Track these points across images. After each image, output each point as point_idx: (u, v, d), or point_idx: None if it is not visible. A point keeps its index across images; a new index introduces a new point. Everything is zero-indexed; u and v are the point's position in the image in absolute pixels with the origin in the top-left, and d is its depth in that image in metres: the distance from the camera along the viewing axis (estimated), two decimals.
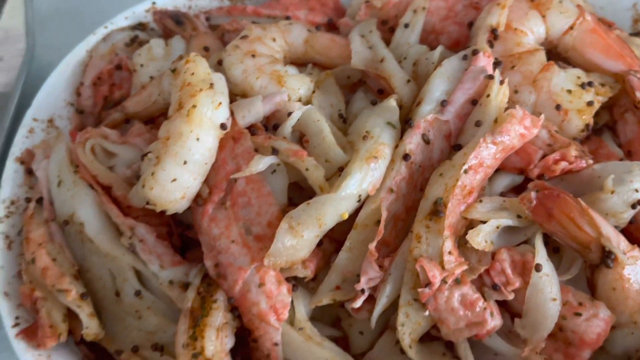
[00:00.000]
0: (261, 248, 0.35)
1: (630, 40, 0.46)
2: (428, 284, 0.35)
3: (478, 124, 0.38)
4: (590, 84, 0.41)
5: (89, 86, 0.47)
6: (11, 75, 0.54)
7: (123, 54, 0.48)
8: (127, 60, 0.47)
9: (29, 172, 0.43)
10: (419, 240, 0.36)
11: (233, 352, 0.36)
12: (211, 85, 0.36)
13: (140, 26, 0.50)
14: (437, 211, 0.36)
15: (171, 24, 0.48)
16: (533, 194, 0.37)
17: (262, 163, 0.35)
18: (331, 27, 0.49)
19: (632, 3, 0.50)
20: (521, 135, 0.38)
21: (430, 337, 0.38)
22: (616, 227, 0.38)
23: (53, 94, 0.46)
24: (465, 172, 0.36)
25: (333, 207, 0.35)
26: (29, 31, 0.57)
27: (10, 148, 0.47)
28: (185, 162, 0.34)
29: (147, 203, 0.36)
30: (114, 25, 0.50)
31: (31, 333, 0.35)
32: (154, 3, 0.51)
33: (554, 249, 0.40)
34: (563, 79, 0.42)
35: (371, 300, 0.37)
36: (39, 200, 0.40)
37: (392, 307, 0.37)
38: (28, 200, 0.41)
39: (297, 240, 0.35)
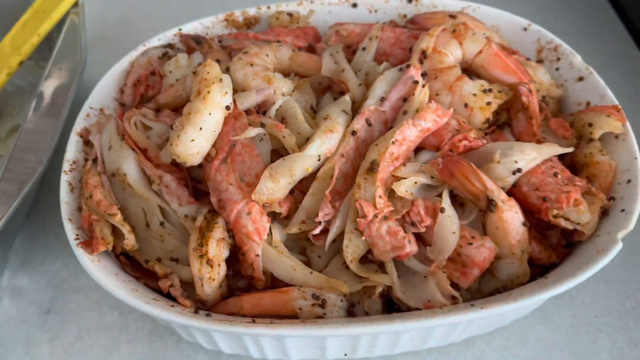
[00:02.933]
0: (250, 190, 0.50)
1: (526, 63, 0.62)
2: (364, 216, 0.50)
3: (405, 113, 0.54)
4: (490, 90, 0.56)
5: (130, 87, 0.63)
6: (69, 81, 0.71)
7: (156, 64, 0.64)
8: (159, 68, 0.63)
9: (86, 143, 0.59)
10: (359, 187, 0.50)
11: (227, 263, 0.51)
12: (221, 80, 0.52)
13: (169, 45, 0.67)
14: (372, 169, 0.51)
15: (193, 43, 0.64)
16: (440, 160, 0.52)
17: (253, 132, 0.51)
18: (310, 49, 0.65)
19: (536, 38, 0.67)
20: (434, 121, 0.53)
21: (367, 260, 0.53)
22: (502, 188, 0.53)
23: (104, 91, 0.62)
24: (393, 143, 0.51)
25: (301, 162, 0.50)
26: (83, 49, 0.73)
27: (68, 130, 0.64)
28: (200, 129, 0.50)
29: (174, 161, 0.52)
30: (150, 44, 0.67)
31: (87, 245, 0.50)
32: (180, 29, 0.68)
33: (460, 204, 0.54)
34: (471, 86, 0.57)
35: (325, 232, 0.52)
36: (94, 160, 0.56)
37: (341, 237, 0.52)
38: (85, 160, 0.57)
39: (275, 185, 0.50)
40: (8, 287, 0.63)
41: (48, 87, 0.68)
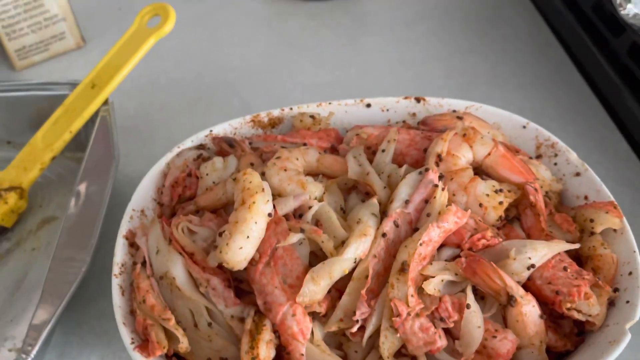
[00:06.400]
0: (293, 292, 0.55)
1: (529, 162, 0.69)
2: (399, 315, 0.54)
3: (428, 215, 0.60)
4: (501, 190, 0.63)
5: (167, 187, 0.68)
6: (104, 178, 0.75)
7: (192, 165, 0.69)
8: (195, 170, 0.69)
9: (131, 245, 0.63)
10: (393, 287, 0.55)
11: None
12: (263, 190, 0.58)
13: (201, 146, 0.73)
14: (403, 269, 0.56)
15: (226, 146, 0.70)
16: (464, 259, 0.58)
17: (295, 237, 0.56)
18: (333, 150, 0.71)
19: (534, 135, 0.74)
20: (455, 222, 0.59)
21: (402, 354, 0.57)
22: (518, 282, 0.59)
23: (144, 193, 0.66)
24: (421, 244, 0.57)
25: (339, 265, 0.55)
26: (115, 146, 0.78)
27: (102, 227, 0.68)
28: (247, 237, 0.55)
29: (220, 264, 0.57)
30: (184, 146, 0.72)
31: (143, 348, 0.53)
32: (211, 131, 0.73)
33: (481, 297, 0.59)
34: (484, 187, 0.63)
35: (362, 329, 0.56)
36: (143, 263, 0.60)
37: (376, 333, 0.56)
38: (134, 263, 0.61)
39: (316, 287, 0.55)
40: None
41: (83, 185, 0.72)
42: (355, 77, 1.02)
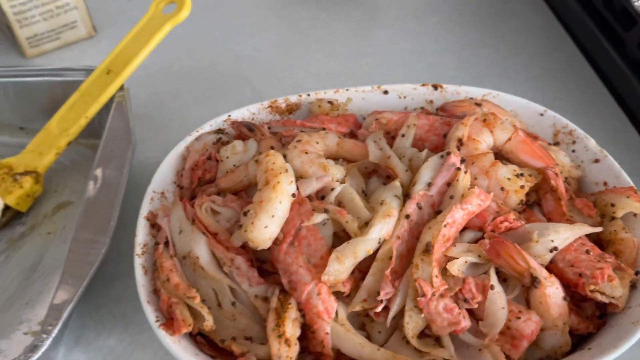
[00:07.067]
0: (318, 271, 0.54)
1: (548, 147, 0.70)
2: (423, 295, 0.54)
3: (451, 197, 0.60)
4: (522, 174, 0.63)
5: (187, 170, 0.68)
6: (120, 163, 0.75)
7: (211, 149, 0.69)
8: (215, 153, 0.68)
9: (152, 226, 0.63)
10: (417, 268, 0.55)
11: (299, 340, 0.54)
12: (287, 170, 0.58)
13: (220, 131, 0.73)
14: (427, 250, 0.56)
15: (245, 130, 0.69)
16: (487, 241, 0.58)
17: (319, 217, 0.56)
18: (352, 135, 0.71)
19: (552, 122, 0.74)
20: (478, 205, 0.59)
21: (425, 335, 0.57)
22: (541, 264, 0.59)
23: (163, 176, 0.66)
24: (445, 226, 0.57)
25: (364, 245, 0.55)
26: (132, 131, 0.78)
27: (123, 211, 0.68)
28: (272, 216, 0.55)
29: (243, 244, 0.56)
30: (203, 130, 0.72)
31: (168, 326, 0.53)
32: (229, 116, 0.73)
33: (504, 280, 0.59)
34: (505, 171, 0.63)
35: (386, 310, 0.56)
36: (165, 243, 0.59)
37: (400, 314, 0.56)
38: (156, 244, 0.60)
39: (341, 266, 0.54)
40: None
41: (100, 169, 0.72)
42: (367, 68, 1.02)
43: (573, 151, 0.71)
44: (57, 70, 0.86)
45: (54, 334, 0.57)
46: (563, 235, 0.58)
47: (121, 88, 0.82)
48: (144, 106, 0.94)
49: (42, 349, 0.56)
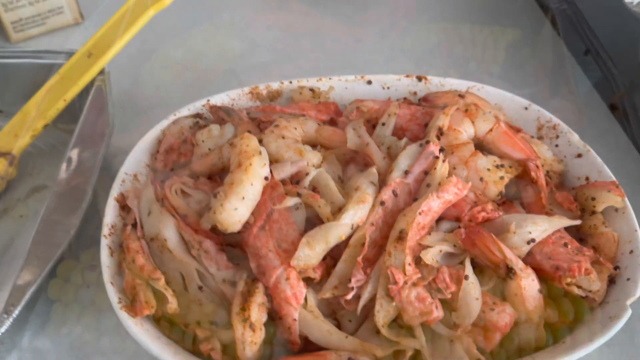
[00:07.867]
0: (287, 256, 0.53)
1: (531, 140, 0.68)
2: (395, 283, 0.53)
3: (428, 185, 0.58)
4: (502, 166, 0.62)
5: (162, 154, 0.67)
6: (96, 146, 0.73)
7: (188, 133, 0.68)
8: (191, 137, 0.67)
9: (122, 208, 0.61)
10: (390, 255, 0.54)
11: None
12: (260, 153, 0.56)
13: (198, 115, 0.71)
14: (401, 237, 0.54)
15: (223, 114, 0.68)
16: (463, 230, 0.56)
17: (291, 201, 0.54)
18: (332, 123, 0.70)
19: (536, 117, 0.73)
20: (455, 193, 0.58)
21: (395, 325, 0.55)
22: (518, 256, 0.58)
23: (137, 158, 0.65)
24: (420, 214, 0.55)
25: (336, 231, 0.53)
26: (110, 116, 0.77)
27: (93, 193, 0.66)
28: (243, 198, 0.54)
29: (213, 227, 0.55)
30: (180, 114, 0.70)
31: (131, 308, 0.51)
32: (208, 100, 0.72)
33: (480, 271, 0.58)
34: (485, 162, 0.62)
35: (357, 298, 0.55)
36: (133, 225, 0.58)
37: (371, 303, 0.55)
38: (124, 225, 0.59)
39: (312, 251, 0.53)
40: (29, 349, 0.63)
41: (76, 151, 0.71)
42: (356, 63, 1.01)
43: (556, 146, 0.70)
44: (39, 53, 0.85)
45: (14, 315, 0.55)
46: (541, 227, 0.56)
47: (102, 72, 0.80)
48: (127, 93, 0.93)
49: (1, 330, 0.54)
